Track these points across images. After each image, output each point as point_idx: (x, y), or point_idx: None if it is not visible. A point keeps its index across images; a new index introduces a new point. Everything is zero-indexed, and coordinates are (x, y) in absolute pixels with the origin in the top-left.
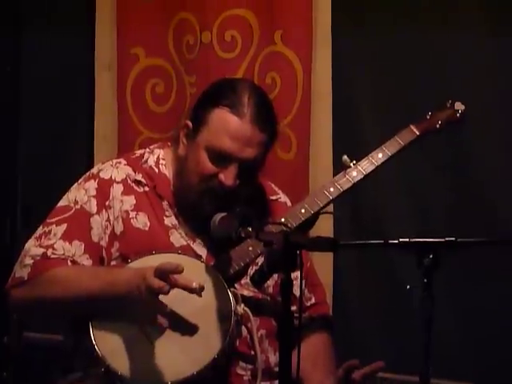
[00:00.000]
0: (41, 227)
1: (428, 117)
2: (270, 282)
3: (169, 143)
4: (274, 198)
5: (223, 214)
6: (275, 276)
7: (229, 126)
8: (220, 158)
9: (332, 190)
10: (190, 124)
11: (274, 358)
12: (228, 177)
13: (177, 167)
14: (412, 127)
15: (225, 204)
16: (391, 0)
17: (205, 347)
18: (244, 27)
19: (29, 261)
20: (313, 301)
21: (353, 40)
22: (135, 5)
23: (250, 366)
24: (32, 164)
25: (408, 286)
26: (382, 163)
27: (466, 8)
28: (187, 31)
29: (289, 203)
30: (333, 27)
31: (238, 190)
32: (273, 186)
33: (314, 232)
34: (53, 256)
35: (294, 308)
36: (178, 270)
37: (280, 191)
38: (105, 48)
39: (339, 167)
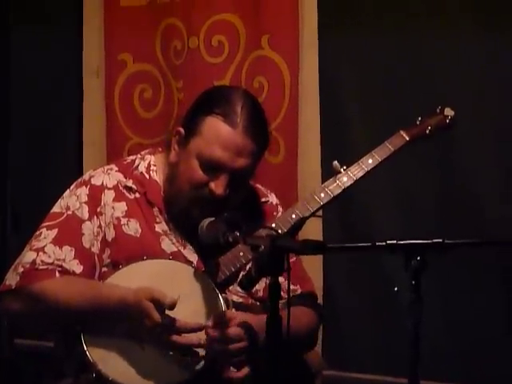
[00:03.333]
0: (36, 232)
1: (418, 122)
2: (260, 286)
3: (160, 149)
4: (263, 200)
5: (211, 219)
6: (267, 281)
7: (221, 135)
8: (211, 166)
9: (322, 195)
10: (182, 131)
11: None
12: (218, 186)
13: (168, 174)
14: (402, 132)
15: (215, 212)
16: (378, 3)
17: (196, 352)
18: (231, 32)
19: (19, 269)
20: (299, 291)
21: (339, 43)
22: (122, 11)
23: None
24: (21, 171)
25: (396, 288)
26: (372, 168)
27: (454, 9)
28: (174, 36)
29: (278, 205)
30: (319, 31)
31: (229, 199)
32: (262, 188)
33: (303, 235)
34: (41, 267)
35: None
36: (172, 308)
37: (269, 193)
38: (92, 54)
39: (328, 170)
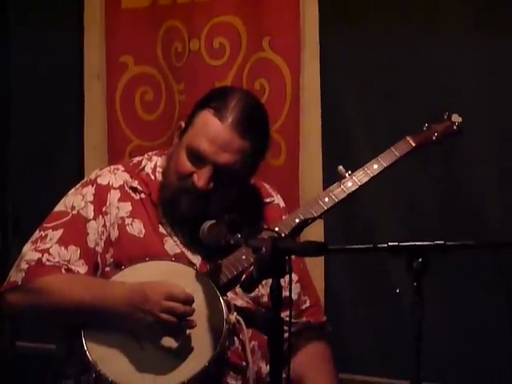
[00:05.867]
0: (37, 231)
1: (425, 128)
2: (265, 291)
3: (166, 151)
4: (267, 200)
5: (212, 222)
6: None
7: (208, 127)
8: (196, 158)
9: (327, 200)
10: (182, 124)
11: (265, 369)
12: (200, 178)
13: (164, 167)
14: (408, 139)
15: (200, 205)
16: (379, 5)
17: (196, 355)
18: (232, 34)
19: (24, 265)
20: (308, 304)
21: (341, 44)
22: (123, 13)
23: (240, 376)
24: (22, 174)
25: (398, 290)
26: (377, 174)
27: (457, 16)
28: (175, 39)
29: (282, 205)
30: (320, 32)
31: (215, 194)
32: (267, 187)
33: (305, 237)
34: (47, 263)
35: (287, 313)
36: (189, 303)
37: (274, 193)
38: (94, 57)
39: (329, 172)
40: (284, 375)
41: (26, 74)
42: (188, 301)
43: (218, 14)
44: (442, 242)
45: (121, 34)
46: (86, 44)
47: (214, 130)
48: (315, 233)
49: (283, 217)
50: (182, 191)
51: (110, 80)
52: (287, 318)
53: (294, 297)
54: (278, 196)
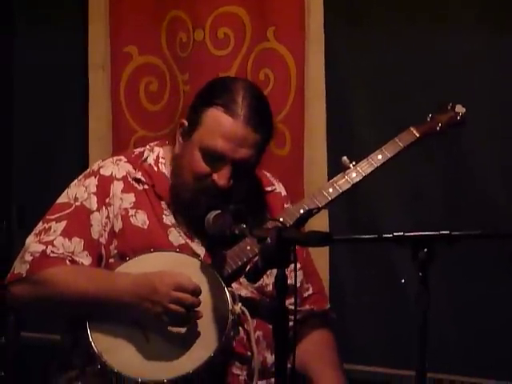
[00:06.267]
0: (40, 223)
1: (428, 119)
2: (269, 281)
3: (167, 141)
4: (269, 189)
5: (217, 212)
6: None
7: (222, 126)
8: (213, 158)
9: (331, 190)
10: (185, 123)
11: (270, 359)
12: (221, 177)
13: (173, 166)
14: (412, 129)
15: (220, 203)
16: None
17: (201, 345)
18: (237, 24)
19: (28, 257)
20: (310, 291)
21: (345, 34)
22: (128, 3)
23: (245, 367)
24: (26, 165)
25: (403, 280)
26: (381, 164)
27: (464, 10)
28: (180, 29)
29: (284, 193)
30: (325, 22)
31: (233, 189)
32: (268, 175)
33: (310, 228)
34: (52, 255)
35: (292, 300)
36: (197, 293)
37: (276, 181)
38: (98, 47)
39: (334, 162)
40: (289, 365)
41: (30, 64)
42: (196, 291)
43: (222, 4)
44: (448, 232)
45: (125, 24)
46: (91, 35)
47: (228, 128)
48: (320, 223)
49: (285, 205)
50: (201, 192)
51: (114, 70)
52: (291, 307)
53: (297, 284)
54: (280, 184)
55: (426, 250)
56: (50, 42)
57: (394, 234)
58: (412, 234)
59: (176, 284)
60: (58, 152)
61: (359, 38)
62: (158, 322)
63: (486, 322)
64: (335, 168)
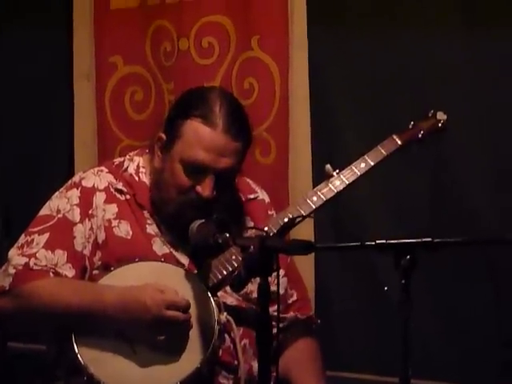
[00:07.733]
0: (23, 236)
1: (410, 126)
2: (254, 288)
3: (147, 150)
4: (251, 196)
5: (201, 221)
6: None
7: (202, 137)
8: (195, 170)
9: (315, 199)
10: (163, 136)
11: (257, 367)
12: (206, 189)
13: (154, 179)
14: (394, 137)
15: (205, 214)
16: (367, 4)
17: (188, 356)
18: (221, 33)
19: (11, 270)
20: (295, 297)
21: (329, 43)
22: (112, 13)
23: (232, 376)
24: (12, 173)
25: (386, 288)
26: (365, 172)
27: (445, 14)
28: (164, 38)
29: (267, 200)
30: (309, 31)
31: (217, 199)
32: (251, 183)
33: (296, 235)
34: (35, 267)
35: (275, 307)
36: (188, 309)
37: (258, 188)
38: (83, 57)
39: (318, 171)
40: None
41: (15, 73)
42: (187, 308)
43: (206, 14)
44: (430, 239)
45: (110, 34)
46: (75, 44)
47: (208, 139)
48: (306, 231)
49: (269, 212)
50: (185, 205)
51: (99, 80)
52: (275, 313)
53: (281, 291)
54: (263, 191)
55: (408, 257)
56: (35, 52)
57: (377, 241)
58: (394, 241)
59: (167, 302)
60: (44, 162)
61: (343, 46)
62: (145, 334)
63: (469, 328)
64: (320, 175)
